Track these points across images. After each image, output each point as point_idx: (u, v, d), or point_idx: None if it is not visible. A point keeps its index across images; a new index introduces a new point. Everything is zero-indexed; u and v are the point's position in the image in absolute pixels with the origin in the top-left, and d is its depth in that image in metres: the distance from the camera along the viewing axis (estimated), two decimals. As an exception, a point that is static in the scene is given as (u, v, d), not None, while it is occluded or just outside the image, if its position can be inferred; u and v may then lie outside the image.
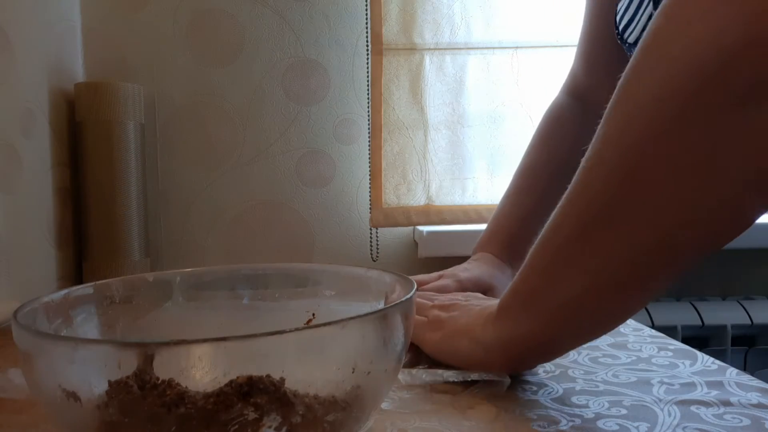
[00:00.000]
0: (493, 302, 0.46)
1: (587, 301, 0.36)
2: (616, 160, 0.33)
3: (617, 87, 0.33)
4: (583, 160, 0.35)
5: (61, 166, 0.87)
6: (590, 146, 0.35)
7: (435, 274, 0.66)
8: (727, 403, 0.41)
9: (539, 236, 0.38)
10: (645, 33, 0.32)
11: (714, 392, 0.43)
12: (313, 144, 1.04)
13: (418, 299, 0.53)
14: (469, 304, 0.49)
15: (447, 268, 0.67)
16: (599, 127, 0.34)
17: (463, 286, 0.62)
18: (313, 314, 0.45)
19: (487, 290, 0.64)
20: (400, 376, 0.44)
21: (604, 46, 0.68)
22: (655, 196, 0.31)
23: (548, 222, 0.37)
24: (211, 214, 1.02)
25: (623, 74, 0.33)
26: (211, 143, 1.02)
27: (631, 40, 0.56)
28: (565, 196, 0.36)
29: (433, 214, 1.02)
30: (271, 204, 1.04)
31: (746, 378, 0.46)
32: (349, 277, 0.46)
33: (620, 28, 0.58)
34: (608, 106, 0.34)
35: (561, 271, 0.36)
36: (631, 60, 0.33)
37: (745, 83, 0.28)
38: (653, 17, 0.32)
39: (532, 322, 0.39)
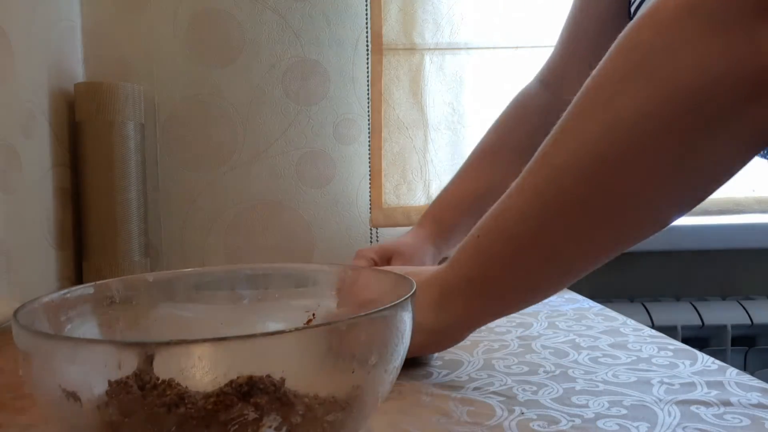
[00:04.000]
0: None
1: (552, 284, 0.41)
2: (591, 165, 0.35)
3: (587, 91, 0.35)
4: (548, 156, 0.37)
5: (61, 167, 0.87)
6: (554, 143, 0.37)
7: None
8: (727, 403, 0.41)
9: (492, 223, 0.41)
10: (626, 50, 0.34)
11: (714, 392, 0.43)
12: (313, 144, 1.04)
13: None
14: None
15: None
16: (565, 130, 0.36)
17: (375, 262, 0.68)
18: (313, 314, 0.45)
19: (392, 255, 0.69)
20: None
21: (586, 33, 0.68)
22: (633, 199, 0.35)
23: (502, 209, 0.40)
24: (211, 214, 1.02)
25: (596, 80, 0.35)
26: (211, 143, 1.02)
27: None
28: (528, 182, 0.38)
29: (433, 214, 1.02)
30: (271, 204, 1.04)
31: (746, 378, 0.46)
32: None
33: (632, 10, 0.58)
34: (577, 109, 0.36)
35: (528, 261, 0.39)
36: (611, 69, 0.34)
37: (719, 111, 0.31)
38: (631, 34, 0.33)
39: (495, 304, 0.43)
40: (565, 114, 0.37)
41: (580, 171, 0.35)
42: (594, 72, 0.35)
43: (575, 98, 0.36)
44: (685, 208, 0.36)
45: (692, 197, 0.35)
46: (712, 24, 0.30)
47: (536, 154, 0.38)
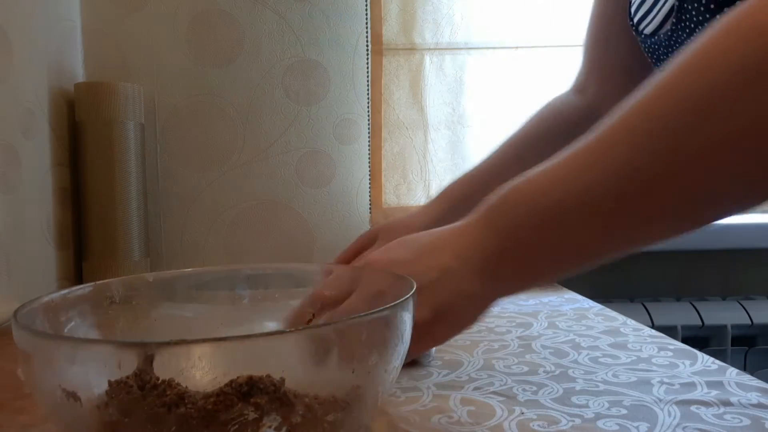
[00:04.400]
0: (447, 257, 0.39)
1: (614, 253, 0.37)
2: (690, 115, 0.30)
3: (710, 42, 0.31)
4: (648, 117, 0.32)
5: (61, 166, 0.87)
6: (640, 107, 0.33)
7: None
8: (727, 403, 0.41)
9: (551, 180, 0.36)
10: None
11: (714, 392, 0.43)
12: (313, 144, 1.04)
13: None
14: (420, 273, 0.39)
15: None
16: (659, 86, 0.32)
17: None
18: (313, 314, 0.45)
19: (377, 236, 0.66)
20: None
21: (602, 45, 0.69)
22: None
23: (573, 166, 0.35)
24: (211, 214, 1.02)
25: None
26: (211, 143, 1.02)
27: (648, 31, 0.56)
28: (621, 138, 0.33)
29: (433, 214, 1.02)
30: (271, 204, 1.04)
31: (746, 378, 0.46)
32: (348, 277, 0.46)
33: (635, 19, 0.58)
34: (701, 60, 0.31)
35: (599, 237, 0.36)
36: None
37: None
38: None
39: (551, 268, 0.38)
40: (674, 68, 0.32)
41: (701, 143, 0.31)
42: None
43: (690, 54, 0.32)
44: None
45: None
46: None
47: (627, 111, 0.34)
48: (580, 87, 0.73)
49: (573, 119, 0.69)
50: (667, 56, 0.55)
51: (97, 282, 0.42)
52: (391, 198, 1.01)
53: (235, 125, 1.02)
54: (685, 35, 0.50)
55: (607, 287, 1.08)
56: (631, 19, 0.59)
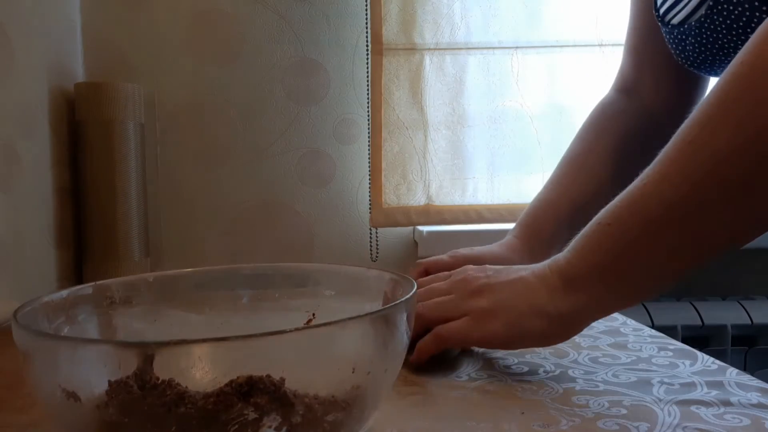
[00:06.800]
0: (527, 272, 0.45)
1: (685, 270, 0.39)
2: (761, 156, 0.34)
3: (745, 75, 0.35)
4: (699, 144, 0.36)
5: (61, 166, 0.87)
6: (704, 129, 0.36)
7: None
8: (727, 403, 0.41)
9: (624, 211, 0.40)
10: None
11: (714, 392, 0.43)
12: (313, 144, 1.04)
13: (437, 300, 0.49)
14: (499, 280, 0.47)
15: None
16: (724, 117, 0.35)
17: (457, 262, 0.59)
18: (313, 314, 0.45)
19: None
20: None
21: (652, 39, 0.66)
22: None
23: (637, 197, 0.39)
24: (211, 214, 1.02)
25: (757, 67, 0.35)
26: (211, 143, 1.02)
27: (676, 20, 0.54)
28: (674, 170, 0.37)
29: (433, 214, 1.02)
30: (271, 204, 1.04)
31: (746, 378, 0.46)
32: (349, 277, 0.46)
33: (661, 10, 0.56)
34: (735, 95, 0.35)
35: (667, 247, 0.38)
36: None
37: None
38: None
39: (627, 291, 0.42)
40: (711, 99, 0.36)
41: (748, 161, 0.34)
42: (748, 59, 0.35)
43: (724, 83, 0.36)
44: None
45: None
46: None
47: (676, 140, 0.38)
48: (628, 87, 0.70)
49: (633, 125, 0.67)
50: (697, 46, 0.52)
51: (97, 282, 0.42)
52: (391, 198, 1.01)
53: (235, 125, 1.02)
54: (720, 20, 0.48)
55: (607, 287, 1.08)
56: (657, 9, 0.57)
